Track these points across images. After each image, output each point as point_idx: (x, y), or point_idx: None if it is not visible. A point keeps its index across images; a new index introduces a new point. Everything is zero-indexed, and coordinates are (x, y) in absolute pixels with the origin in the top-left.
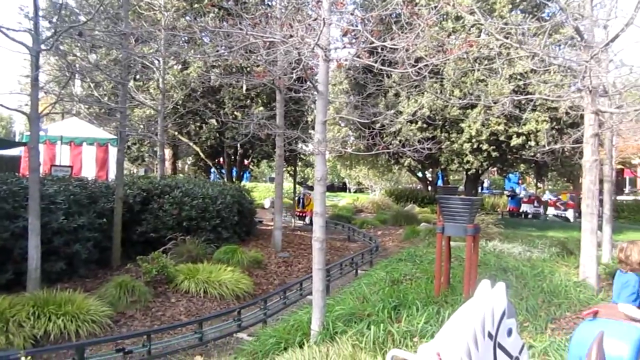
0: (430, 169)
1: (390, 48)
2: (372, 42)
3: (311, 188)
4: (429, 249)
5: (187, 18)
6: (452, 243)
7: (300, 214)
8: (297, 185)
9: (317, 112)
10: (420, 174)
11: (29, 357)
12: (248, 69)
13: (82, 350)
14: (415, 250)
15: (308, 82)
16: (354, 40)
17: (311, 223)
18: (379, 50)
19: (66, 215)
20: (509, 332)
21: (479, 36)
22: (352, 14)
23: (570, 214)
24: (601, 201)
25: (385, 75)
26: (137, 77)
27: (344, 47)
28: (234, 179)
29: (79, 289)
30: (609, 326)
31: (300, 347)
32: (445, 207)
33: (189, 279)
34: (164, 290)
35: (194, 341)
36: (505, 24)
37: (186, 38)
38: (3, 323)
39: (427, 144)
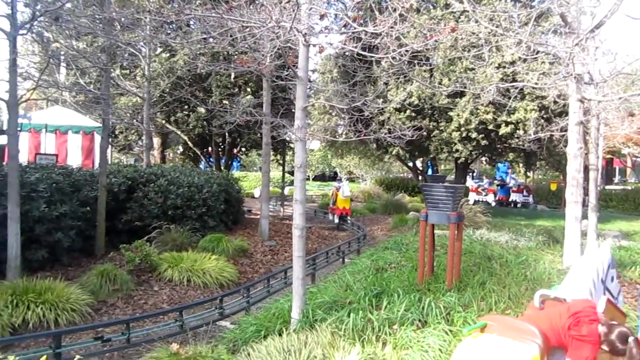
0: (420, 158)
1: (372, 33)
2: (353, 27)
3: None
4: (416, 237)
5: (175, 5)
6: (439, 231)
7: (333, 212)
8: (287, 174)
9: (297, 98)
10: (410, 163)
11: None
12: (235, 56)
13: (59, 339)
14: (402, 239)
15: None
16: (333, 25)
17: (340, 222)
18: (362, 35)
19: (48, 203)
20: (612, 279)
21: (468, 23)
22: None
23: (490, 198)
24: (586, 190)
25: (374, 62)
26: (124, 64)
27: (321, 31)
28: (222, 168)
29: (61, 278)
30: None
31: (280, 335)
32: (429, 195)
33: (172, 268)
34: (147, 279)
35: (174, 329)
36: (493, 11)
37: (173, 26)
38: None
39: (410, 132)
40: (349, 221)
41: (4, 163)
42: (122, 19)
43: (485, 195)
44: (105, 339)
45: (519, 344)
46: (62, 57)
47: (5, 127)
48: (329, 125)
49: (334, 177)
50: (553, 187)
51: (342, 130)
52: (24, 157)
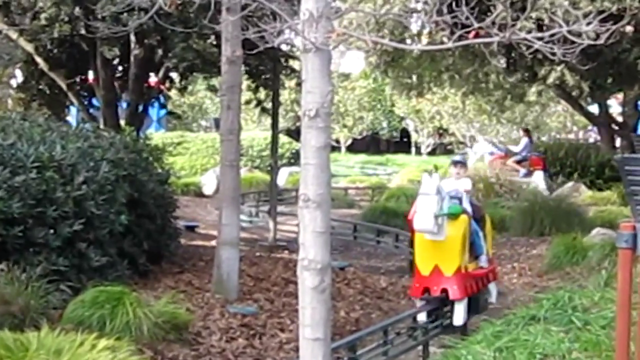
0: (618, 95)
1: None
2: None
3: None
4: (607, 291)
5: None
6: None
7: None
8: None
9: None
10: (592, 108)
11: None
12: None
13: None
14: (573, 295)
15: None
16: None
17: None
18: None
19: None
20: None
21: None
22: None
23: (538, 178)
24: None
25: None
26: None
27: None
28: (122, 124)
29: None
30: None
31: None
32: (637, 183)
33: None
34: None
35: None
36: None
37: None
38: None
39: (594, 26)
40: (492, 297)
41: None
42: None
43: (528, 174)
44: None
45: None
46: None
47: None
48: (388, 12)
49: (402, 142)
50: None
51: (420, 27)
52: None
